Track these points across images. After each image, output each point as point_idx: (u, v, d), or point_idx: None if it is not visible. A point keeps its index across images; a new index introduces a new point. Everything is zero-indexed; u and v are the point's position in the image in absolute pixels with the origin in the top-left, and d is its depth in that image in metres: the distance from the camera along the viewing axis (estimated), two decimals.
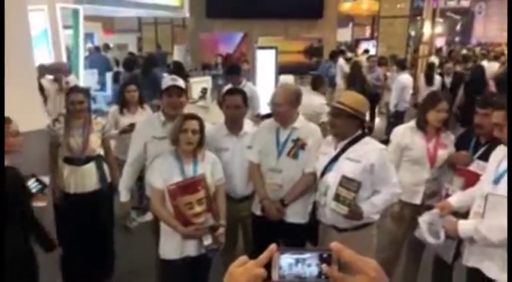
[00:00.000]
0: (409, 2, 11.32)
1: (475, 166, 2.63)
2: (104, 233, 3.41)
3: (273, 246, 0.77)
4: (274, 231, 2.69)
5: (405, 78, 7.30)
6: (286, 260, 0.76)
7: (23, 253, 2.41)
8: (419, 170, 2.87)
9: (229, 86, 4.63)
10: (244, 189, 2.96)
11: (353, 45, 15.95)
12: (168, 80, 3.03)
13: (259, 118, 4.90)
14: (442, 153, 2.84)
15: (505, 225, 1.96)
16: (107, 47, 11.14)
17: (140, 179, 3.29)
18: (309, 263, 0.76)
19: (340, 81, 9.02)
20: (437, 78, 7.85)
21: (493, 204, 2.09)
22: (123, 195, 3.04)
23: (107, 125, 3.52)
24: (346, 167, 2.45)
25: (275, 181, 2.73)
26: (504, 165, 2.11)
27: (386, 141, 3.07)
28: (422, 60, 12.01)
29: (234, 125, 2.96)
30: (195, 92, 7.33)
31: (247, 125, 3.04)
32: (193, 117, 2.63)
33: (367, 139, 2.54)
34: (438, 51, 14.28)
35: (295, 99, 2.75)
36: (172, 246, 2.61)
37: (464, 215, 2.36)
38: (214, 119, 3.72)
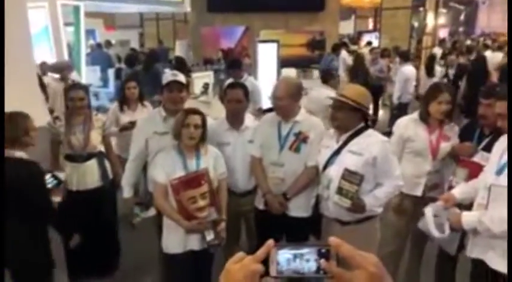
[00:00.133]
0: None
1: (479, 157, 2.60)
2: (108, 229, 3.43)
3: (270, 241, 0.76)
4: (278, 225, 2.70)
5: (408, 69, 7.23)
6: (284, 256, 0.75)
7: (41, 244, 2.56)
8: (421, 162, 2.85)
9: (230, 81, 4.62)
10: (246, 184, 2.96)
11: (356, 38, 15.82)
12: (168, 75, 3.03)
13: (260, 112, 4.88)
14: (445, 146, 2.82)
15: (506, 216, 1.94)
16: (108, 43, 11.12)
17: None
18: (307, 258, 0.75)
19: (342, 74, 8.96)
20: (438, 70, 7.76)
21: (496, 195, 2.07)
22: (126, 191, 3.04)
23: (107, 122, 3.52)
24: (349, 160, 2.43)
25: (277, 175, 2.72)
26: (507, 155, 2.09)
27: (389, 133, 3.05)
28: (426, 51, 11.92)
29: (235, 120, 2.94)
30: (197, 87, 7.32)
31: (249, 119, 3.03)
32: (195, 112, 2.63)
33: (369, 131, 2.52)
34: (442, 42, 14.13)
35: (296, 92, 2.73)
36: (176, 240, 2.61)
37: (467, 206, 2.34)
38: (216, 114, 3.71)
